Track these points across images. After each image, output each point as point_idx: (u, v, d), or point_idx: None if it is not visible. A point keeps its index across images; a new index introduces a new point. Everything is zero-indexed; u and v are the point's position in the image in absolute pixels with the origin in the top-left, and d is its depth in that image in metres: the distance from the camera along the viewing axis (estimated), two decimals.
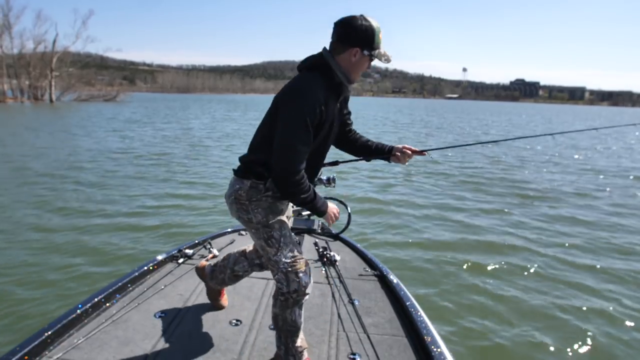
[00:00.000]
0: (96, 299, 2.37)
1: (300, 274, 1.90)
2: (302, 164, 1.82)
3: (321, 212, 1.99)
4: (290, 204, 2.17)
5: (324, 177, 2.10)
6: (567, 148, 17.58)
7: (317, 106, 1.79)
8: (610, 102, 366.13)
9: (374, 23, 1.85)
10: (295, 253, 1.95)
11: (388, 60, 1.94)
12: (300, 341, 2.02)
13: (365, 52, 1.86)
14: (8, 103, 45.51)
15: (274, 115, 1.87)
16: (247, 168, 1.95)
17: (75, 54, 56.42)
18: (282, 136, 1.80)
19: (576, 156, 15.36)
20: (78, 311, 2.25)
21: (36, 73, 50.50)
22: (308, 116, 1.77)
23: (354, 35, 1.84)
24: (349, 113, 2.22)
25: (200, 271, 2.51)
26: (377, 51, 1.88)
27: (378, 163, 11.20)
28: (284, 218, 2.01)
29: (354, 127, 2.32)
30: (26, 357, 1.91)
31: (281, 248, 1.93)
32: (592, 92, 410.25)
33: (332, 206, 2.05)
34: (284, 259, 1.91)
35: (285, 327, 1.96)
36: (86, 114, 31.18)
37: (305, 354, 2.03)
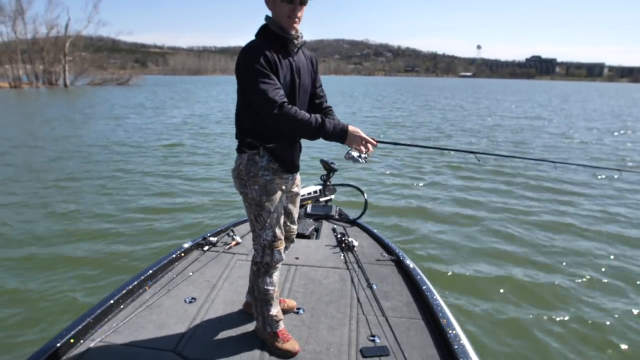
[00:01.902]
0: (130, 286, 2.52)
1: (275, 252, 2.15)
2: (279, 96, 1.88)
3: (340, 135, 1.95)
4: (297, 178, 2.28)
5: (354, 154, 2.13)
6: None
7: (260, 54, 1.90)
8: (631, 78, 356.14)
9: None
10: (277, 234, 2.14)
11: None
12: (275, 311, 2.21)
13: None
14: (24, 88, 46.13)
15: (239, 84, 1.99)
16: (240, 142, 2.09)
17: (87, 38, 56.72)
18: (250, 89, 1.91)
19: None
20: (115, 298, 2.40)
21: (50, 58, 51.02)
22: (260, 64, 1.88)
23: None
24: (320, 86, 2.30)
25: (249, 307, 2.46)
26: None
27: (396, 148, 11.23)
28: (277, 198, 2.12)
29: (328, 103, 2.36)
30: (72, 340, 2.07)
31: (266, 227, 2.11)
32: (611, 69, 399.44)
33: (354, 128, 1.98)
34: (265, 236, 2.12)
35: (260, 296, 2.18)
36: (101, 99, 31.45)
37: (282, 325, 2.21)
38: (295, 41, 2.04)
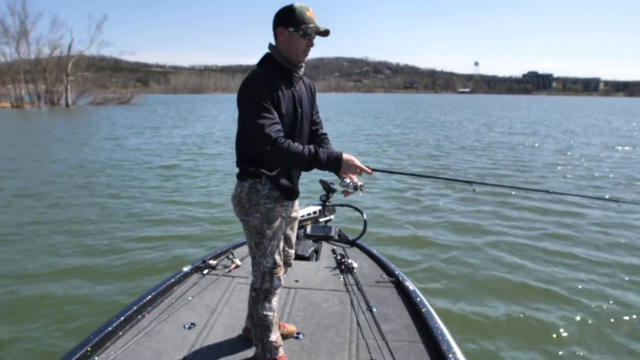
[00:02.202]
0: (129, 312, 2.52)
1: (275, 278, 2.16)
2: (274, 132, 1.89)
3: (334, 164, 1.94)
4: (296, 204, 2.29)
5: (350, 183, 2.09)
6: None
7: (263, 87, 1.91)
8: (626, 92, 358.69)
9: (296, 4, 1.96)
10: (277, 260, 2.15)
11: (318, 30, 1.98)
12: (275, 337, 2.20)
13: (291, 29, 1.95)
14: (26, 108, 46.49)
15: (240, 113, 2.01)
16: (242, 170, 2.09)
17: (90, 58, 57.28)
18: (249, 121, 1.93)
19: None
20: (113, 325, 2.39)
21: (52, 78, 51.56)
22: (260, 97, 1.90)
23: (277, 18, 1.98)
24: (317, 113, 2.32)
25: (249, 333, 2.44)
26: (303, 26, 1.95)
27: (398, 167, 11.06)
28: (277, 225, 2.12)
29: (323, 131, 2.36)
30: None
31: (266, 255, 2.12)
32: (606, 83, 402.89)
33: (348, 157, 1.96)
34: (265, 263, 2.13)
35: (259, 322, 2.18)
36: (101, 118, 31.61)
37: (281, 351, 2.21)
38: (300, 72, 2.07)
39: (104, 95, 57.27)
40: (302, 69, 2.09)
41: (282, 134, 1.92)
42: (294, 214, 2.33)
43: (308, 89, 2.21)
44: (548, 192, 2.94)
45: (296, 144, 1.93)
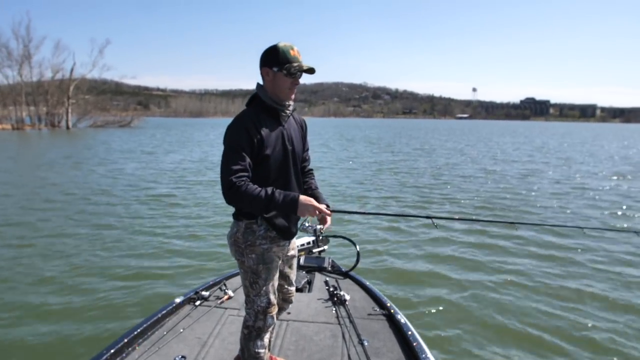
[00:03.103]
0: (119, 345, 2.51)
1: (269, 317, 2.16)
2: (237, 177, 1.89)
3: (290, 205, 1.93)
4: (292, 242, 2.30)
5: (308, 225, 2.12)
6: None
7: (242, 131, 1.95)
8: (623, 118, 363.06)
9: (280, 44, 2.00)
10: (272, 300, 2.15)
11: (301, 69, 2.00)
12: None
13: (275, 69, 1.99)
14: (26, 130, 46.81)
15: None
16: (237, 209, 2.09)
17: (91, 81, 58.01)
18: (221, 163, 1.97)
19: None
20: (104, 357, 2.38)
21: (54, 100, 52.11)
22: (234, 141, 1.94)
23: (262, 58, 2.03)
24: (307, 150, 2.33)
25: None
26: (287, 65, 1.98)
27: (391, 197, 10.89)
28: (273, 266, 2.13)
29: (310, 167, 2.40)
30: None
31: (261, 294, 2.12)
32: (603, 109, 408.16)
33: (305, 199, 1.97)
34: (259, 302, 2.13)
35: (250, 359, 2.19)
36: (99, 142, 31.70)
37: None
38: (287, 111, 2.10)
39: (105, 118, 57.79)
40: (291, 107, 2.12)
41: (244, 179, 1.91)
42: (291, 252, 2.33)
43: (299, 125, 2.24)
44: (513, 223, 3.06)
45: (254, 187, 1.92)
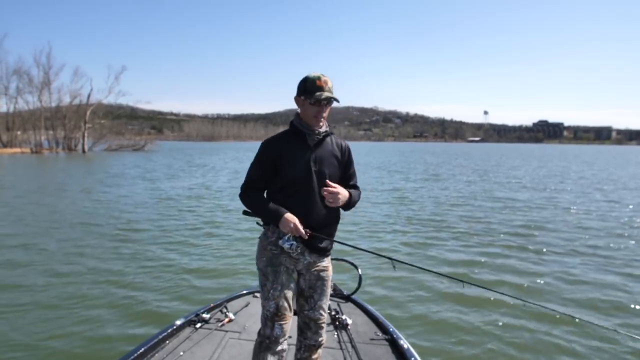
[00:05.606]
0: None
1: (276, 326, 2.16)
2: (250, 182, 2.29)
3: (274, 217, 2.19)
4: (320, 264, 2.31)
5: (285, 243, 2.18)
6: None
7: (267, 145, 2.28)
8: (639, 141, 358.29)
9: (311, 74, 2.23)
10: (280, 306, 2.17)
11: (318, 99, 2.18)
12: None
13: (302, 97, 2.24)
14: (44, 154, 47.89)
15: None
16: None
17: (107, 106, 59.30)
18: None
19: None
20: None
21: (71, 125, 53.47)
22: (258, 154, 2.30)
23: (297, 88, 2.28)
24: (352, 171, 2.44)
25: None
26: (312, 94, 2.19)
27: (391, 222, 10.80)
28: (280, 271, 2.22)
29: (353, 183, 2.46)
30: None
31: (268, 298, 2.20)
32: (619, 132, 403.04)
33: (289, 217, 2.16)
34: (267, 307, 2.20)
35: None
36: (113, 165, 32.17)
37: None
38: (317, 135, 2.26)
39: (119, 142, 58.90)
40: (322, 131, 2.28)
41: (253, 186, 2.28)
42: (317, 273, 2.30)
43: (337, 148, 2.35)
44: (460, 281, 3.09)
45: (259, 195, 2.27)
